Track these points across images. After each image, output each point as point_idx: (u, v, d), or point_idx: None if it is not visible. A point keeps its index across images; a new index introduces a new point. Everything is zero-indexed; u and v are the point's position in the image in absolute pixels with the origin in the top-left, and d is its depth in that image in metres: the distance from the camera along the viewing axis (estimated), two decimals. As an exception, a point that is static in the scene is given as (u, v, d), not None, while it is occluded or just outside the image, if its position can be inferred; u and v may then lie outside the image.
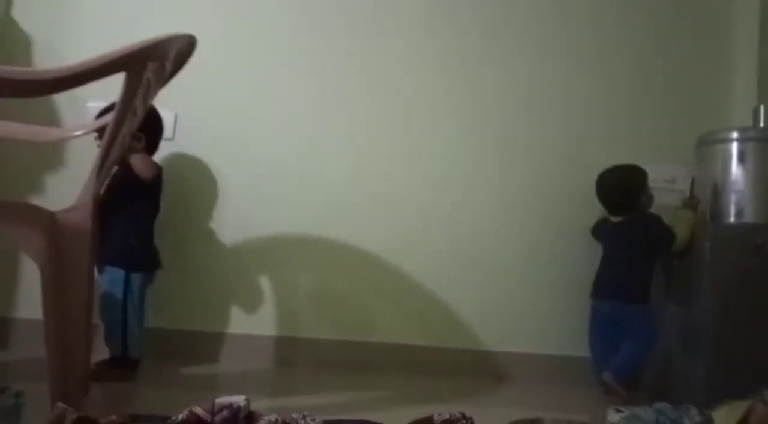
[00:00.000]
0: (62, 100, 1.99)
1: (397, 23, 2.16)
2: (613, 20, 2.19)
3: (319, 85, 2.13)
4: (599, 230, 2.04)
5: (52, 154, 2.00)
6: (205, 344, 2.00)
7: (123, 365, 1.71)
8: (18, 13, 1.99)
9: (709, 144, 1.93)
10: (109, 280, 1.72)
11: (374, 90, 2.14)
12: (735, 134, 1.87)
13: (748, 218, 1.83)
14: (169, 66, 1.33)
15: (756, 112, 1.93)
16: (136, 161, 1.69)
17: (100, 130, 1.58)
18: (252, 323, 2.03)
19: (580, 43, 2.18)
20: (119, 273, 1.72)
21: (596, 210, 2.05)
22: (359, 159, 2.12)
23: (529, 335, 2.09)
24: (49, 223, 1.22)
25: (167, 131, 1.97)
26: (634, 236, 1.91)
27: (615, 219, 1.98)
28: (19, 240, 1.23)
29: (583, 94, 2.17)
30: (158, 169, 1.78)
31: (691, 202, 1.94)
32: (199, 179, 2.07)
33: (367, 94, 2.14)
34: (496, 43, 2.17)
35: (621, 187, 1.95)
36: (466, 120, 2.15)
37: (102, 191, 1.69)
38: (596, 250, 2.03)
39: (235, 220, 2.06)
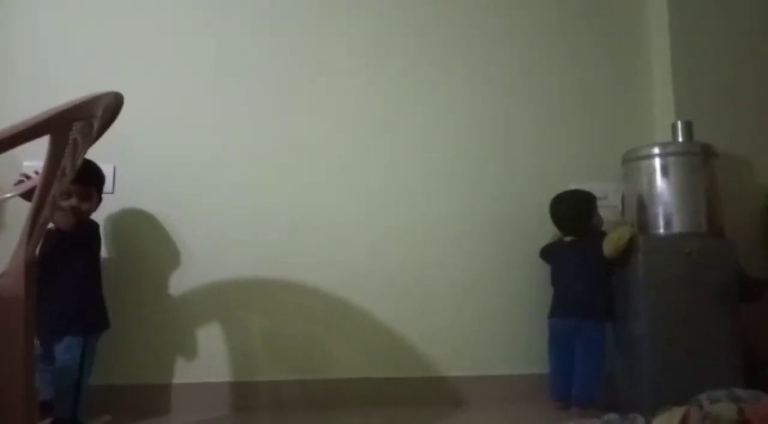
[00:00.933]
0: (-4, 160, 1.96)
1: (343, 68, 2.22)
2: (534, 48, 2.31)
3: (258, 123, 2.15)
4: (550, 251, 2.11)
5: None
6: (158, 397, 1.96)
7: None
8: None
9: (633, 161, 2.03)
10: (65, 347, 1.67)
11: (316, 126, 2.18)
12: (656, 150, 1.97)
13: (676, 228, 1.92)
14: (96, 124, 1.34)
15: (674, 127, 2.05)
16: (57, 216, 1.67)
17: (26, 194, 1.60)
18: (205, 370, 2.00)
19: (504, 72, 2.28)
20: (76, 339, 1.68)
21: (542, 229, 2.13)
22: (305, 196, 2.14)
23: (484, 357, 2.13)
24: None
25: (107, 185, 1.96)
26: (587, 254, 1.98)
27: (568, 239, 2.06)
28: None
29: (514, 119, 2.26)
30: (76, 219, 1.74)
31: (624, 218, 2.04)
32: (141, 227, 2.05)
33: (310, 131, 2.17)
34: (423, 77, 2.25)
35: (573, 214, 2.04)
36: (408, 151, 2.21)
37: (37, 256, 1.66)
38: (544, 269, 2.11)
39: (182, 266, 2.04)
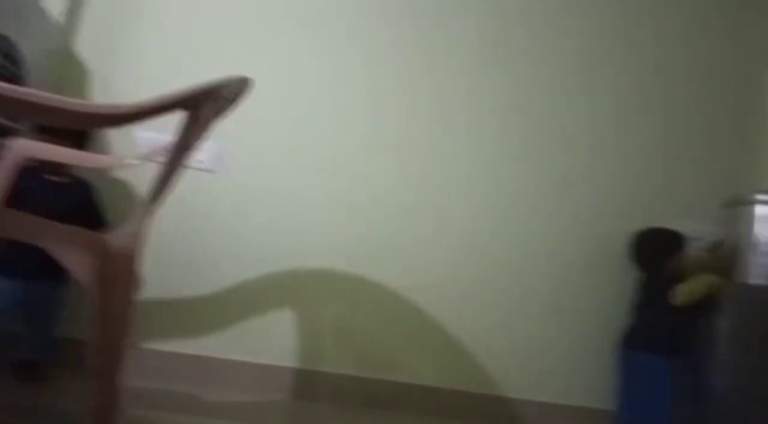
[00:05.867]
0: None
1: (450, 65, 2.22)
2: (644, 84, 2.27)
3: (346, 106, 2.18)
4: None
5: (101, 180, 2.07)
6: (221, 371, 2.02)
7: None
8: (77, 44, 2.08)
9: (735, 205, 1.95)
10: None
11: (410, 123, 2.19)
12: (763, 197, 1.90)
13: (774, 280, 1.84)
14: (224, 105, 1.40)
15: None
16: None
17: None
18: (270, 352, 2.05)
19: (616, 100, 2.25)
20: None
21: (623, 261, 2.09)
22: (389, 193, 2.16)
23: (553, 383, 2.11)
24: (98, 247, 1.27)
25: (211, 163, 2.06)
26: (656, 291, 1.94)
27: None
28: (68, 262, 1.28)
29: (616, 146, 2.24)
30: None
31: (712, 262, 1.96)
32: (227, 202, 2.10)
33: (403, 128, 2.19)
34: (528, 95, 2.24)
35: (648, 254, 2.01)
36: (497, 166, 2.21)
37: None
38: (625, 299, 2.07)
39: (259, 247, 2.09)
